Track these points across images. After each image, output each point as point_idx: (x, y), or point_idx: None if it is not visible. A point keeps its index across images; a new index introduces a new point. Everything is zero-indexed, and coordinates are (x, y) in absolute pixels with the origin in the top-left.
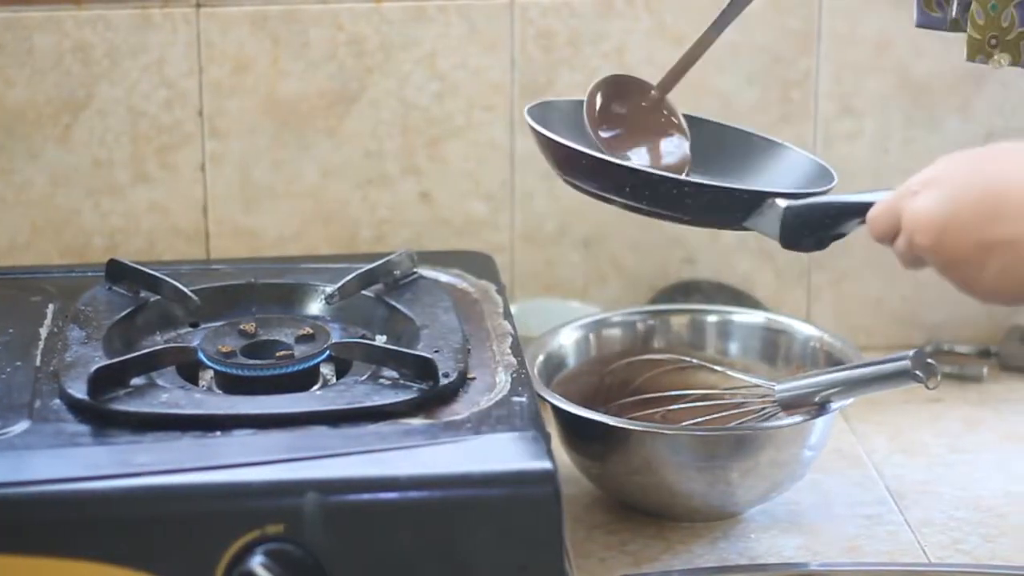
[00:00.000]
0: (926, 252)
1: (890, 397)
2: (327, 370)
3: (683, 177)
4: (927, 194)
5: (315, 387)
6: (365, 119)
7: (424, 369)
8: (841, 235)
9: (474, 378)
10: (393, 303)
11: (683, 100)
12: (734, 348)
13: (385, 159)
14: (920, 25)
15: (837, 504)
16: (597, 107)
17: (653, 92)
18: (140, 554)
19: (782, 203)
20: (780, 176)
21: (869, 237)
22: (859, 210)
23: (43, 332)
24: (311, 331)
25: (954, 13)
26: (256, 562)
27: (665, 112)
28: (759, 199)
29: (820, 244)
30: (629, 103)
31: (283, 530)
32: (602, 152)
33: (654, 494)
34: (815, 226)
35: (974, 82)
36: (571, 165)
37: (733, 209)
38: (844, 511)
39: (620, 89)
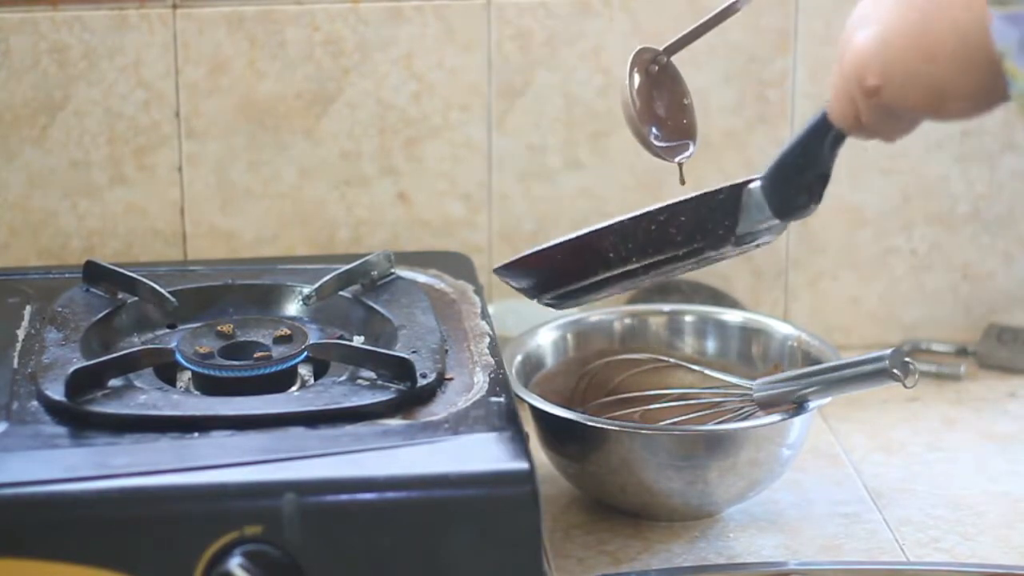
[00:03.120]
0: (880, 92)
1: (868, 396)
2: (305, 371)
3: (652, 208)
4: (862, 33)
5: (293, 388)
6: (342, 120)
7: (402, 370)
8: (825, 175)
9: (452, 379)
10: (371, 304)
11: None
12: (712, 347)
13: (362, 160)
14: None
15: (815, 503)
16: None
17: (660, 55)
18: (118, 556)
19: (756, 183)
20: None
21: (847, 233)
22: (818, 127)
23: (20, 334)
24: (289, 332)
25: None
26: (234, 563)
27: (672, 77)
28: (736, 193)
29: (813, 195)
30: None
31: (261, 531)
32: None
33: (632, 494)
34: (795, 179)
35: None
36: (551, 274)
37: (721, 218)
38: (822, 510)
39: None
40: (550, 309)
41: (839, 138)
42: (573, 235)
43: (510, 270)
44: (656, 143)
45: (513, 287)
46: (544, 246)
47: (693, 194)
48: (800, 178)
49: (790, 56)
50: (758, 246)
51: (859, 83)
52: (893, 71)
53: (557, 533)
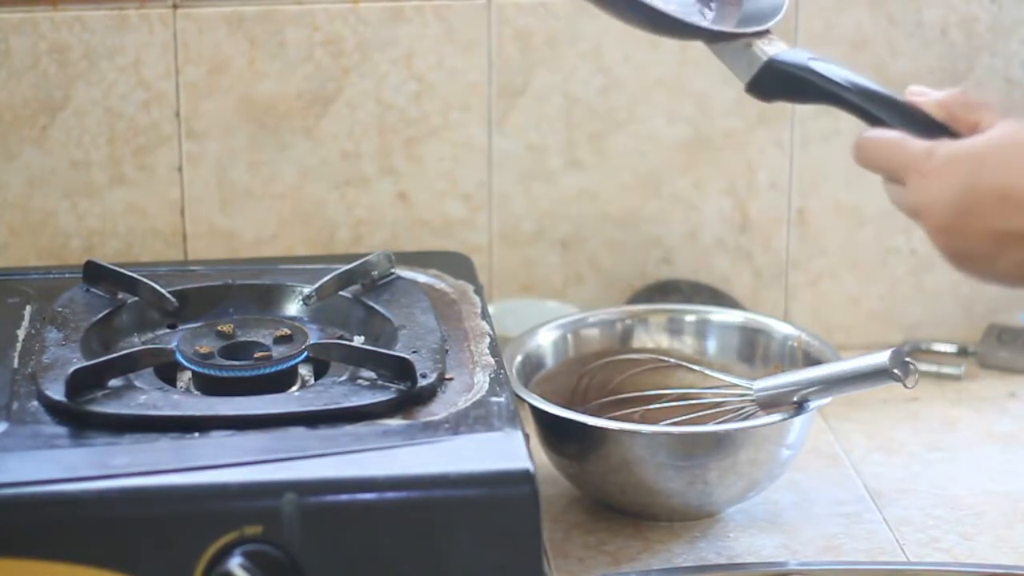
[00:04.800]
0: (932, 235)
1: (868, 396)
2: (305, 371)
3: None
4: (939, 180)
5: (293, 388)
6: (342, 120)
7: (402, 370)
8: (814, 103)
9: (452, 379)
10: (371, 304)
11: (660, 101)
12: (712, 347)
13: (362, 160)
14: None
15: (815, 503)
16: None
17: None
18: (118, 556)
19: (762, 52)
20: None
21: (847, 233)
22: (854, 108)
23: (20, 334)
24: (289, 332)
25: None
26: (234, 563)
27: None
28: (747, 36)
29: (789, 99)
30: None
31: (261, 531)
32: None
33: (633, 494)
34: (792, 88)
35: (949, 81)
36: None
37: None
38: (822, 510)
39: None
40: (550, 309)
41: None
42: None
43: None
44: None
45: None
46: None
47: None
48: (798, 95)
49: None
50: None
51: (914, 209)
52: (954, 232)
53: (557, 533)
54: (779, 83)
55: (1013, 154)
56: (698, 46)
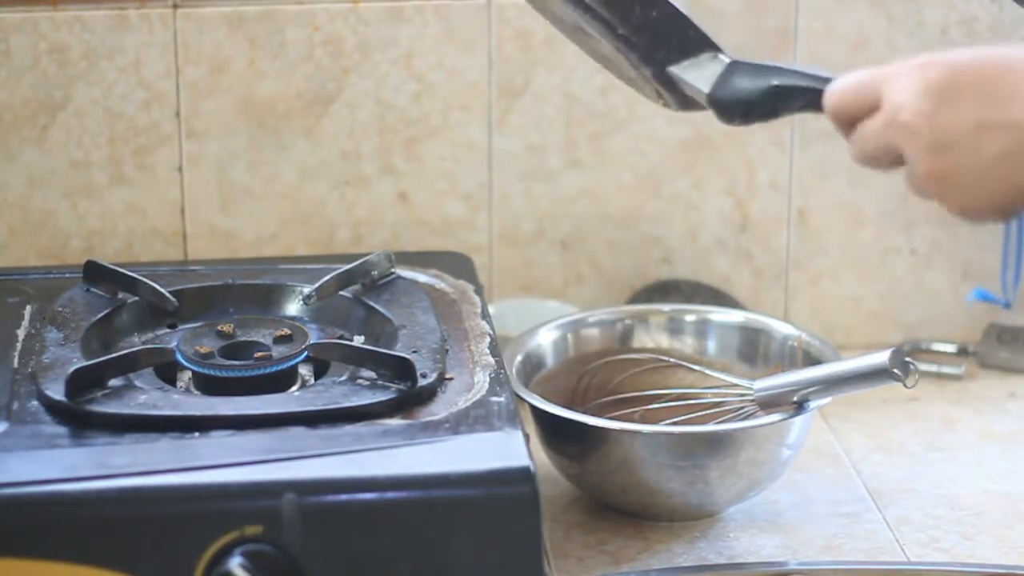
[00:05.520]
0: (910, 130)
1: (868, 396)
2: (305, 371)
3: None
4: (918, 73)
5: (293, 388)
6: (342, 119)
7: (402, 370)
8: (775, 114)
9: (452, 378)
10: (371, 304)
11: None
12: (712, 347)
13: (362, 159)
14: None
15: (816, 503)
16: None
17: None
18: (118, 556)
19: (726, 58)
20: None
21: (847, 233)
22: (816, 85)
23: (20, 334)
24: (289, 332)
25: None
26: (234, 563)
27: None
28: (705, 44)
29: (747, 116)
30: None
31: (261, 531)
32: None
33: (633, 494)
34: (754, 93)
35: None
36: None
37: (674, 42)
38: (823, 510)
39: None
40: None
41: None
42: None
43: None
44: None
45: None
46: None
47: (682, 10)
48: (759, 100)
49: (790, 56)
50: (661, 99)
51: (892, 112)
52: (937, 120)
53: (557, 533)
54: (745, 80)
55: (987, 58)
56: None
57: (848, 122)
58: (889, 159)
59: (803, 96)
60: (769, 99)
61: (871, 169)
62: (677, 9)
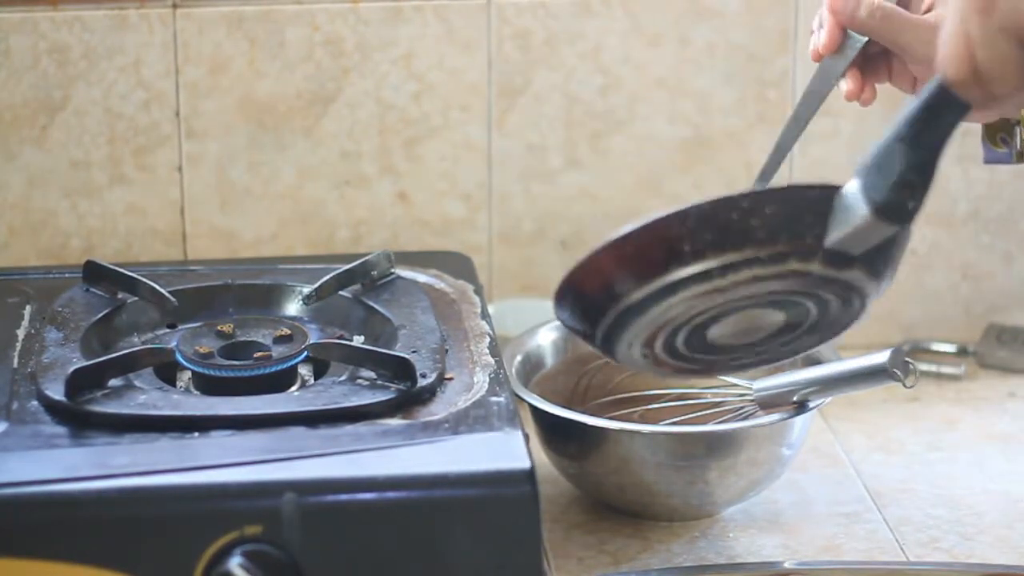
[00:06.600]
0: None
1: (868, 396)
2: (305, 371)
3: (734, 193)
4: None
5: (293, 388)
6: (342, 119)
7: (402, 369)
8: (927, 165)
9: (452, 378)
10: (371, 304)
11: (660, 101)
12: None
13: (362, 159)
14: (988, 162)
15: (815, 503)
16: None
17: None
18: (118, 556)
19: (850, 186)
20: None
21: None
22: (928, 100)
23: (20, 334)
24: (289, 332)
25: (1019, 147)
26: (234, 563)
27: None
28: (829, 194)
29: (914, 188)
30: None
31: (261, 531)
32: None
33: (632, 493)
34: (895, 167)
35: None
36: (615, 277)
37: (810, 220)
38: (822, 510)
39: None
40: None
41: (948, 113)
42: (641, 222)
43: (571, 286)
44: None
45: (569, 325)
46: (608, 240)
47: (781, 185)
48: (901, 166)
49: (790, 56)
50: (851, 289)
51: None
52: None
53: (557, 533)
54: (880, 174)
55: None
56: (698, 45)
57: (969, 60)
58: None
59: (927, 119)
60: (910, 157)
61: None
62: (784, 186)
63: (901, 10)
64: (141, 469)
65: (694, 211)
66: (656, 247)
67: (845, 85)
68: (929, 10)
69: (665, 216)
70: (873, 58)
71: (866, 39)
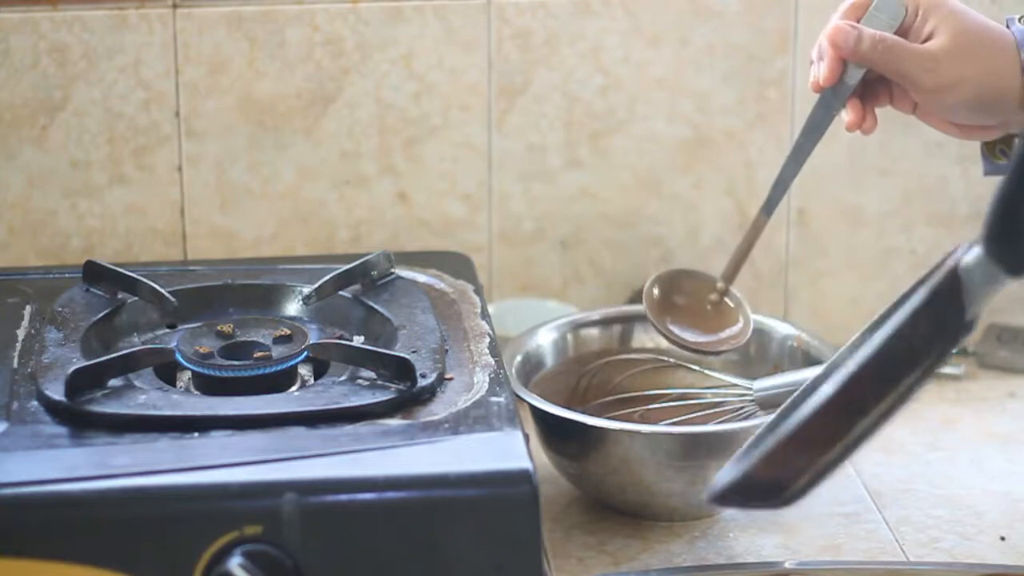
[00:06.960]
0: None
1: None
2: (305, 371)
3: (887, 329)
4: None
5: (293, 388)
6: (342, 119)
7: (402, 370)
8: None
9: (452, 378)
10: (371, 304)
11: (660, 101)
12: None
13: (362, 159)
14: (988, 174)
15: (815, 503)
16: (656, 301)
17: (719, 284)
18: (118, 556)
19: (971, 253)
20: None
21: (847, 233)
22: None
23: (20, 334)
24: (289, 332)
25: None
26: (234, 563)
27: (730, 302)
28: (952, 276)
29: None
30: (691, 295)
31: (261, 531)
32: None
33: (632, 494)
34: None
35: None
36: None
37: (951, 312)
38: (822, 510)
39: (677, 284)
40: (550, 309)
41: None
42: (821, 400)
43: (745, 484)
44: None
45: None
46: (783, 434)
47: (914, 299)
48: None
49: (790, 56)
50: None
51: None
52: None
53: (557, 533)
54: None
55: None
56: (698, 45)
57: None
58: None
59: None
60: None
61: None
62: (919, 301)
63: (902, 41)
64: (141, 469)
65: (872, 365)
66: (840, 415)
67: (846, 116)
68: (929, 39)
69: (843, 384)
70: (872, 83)
71: (866, 68)
